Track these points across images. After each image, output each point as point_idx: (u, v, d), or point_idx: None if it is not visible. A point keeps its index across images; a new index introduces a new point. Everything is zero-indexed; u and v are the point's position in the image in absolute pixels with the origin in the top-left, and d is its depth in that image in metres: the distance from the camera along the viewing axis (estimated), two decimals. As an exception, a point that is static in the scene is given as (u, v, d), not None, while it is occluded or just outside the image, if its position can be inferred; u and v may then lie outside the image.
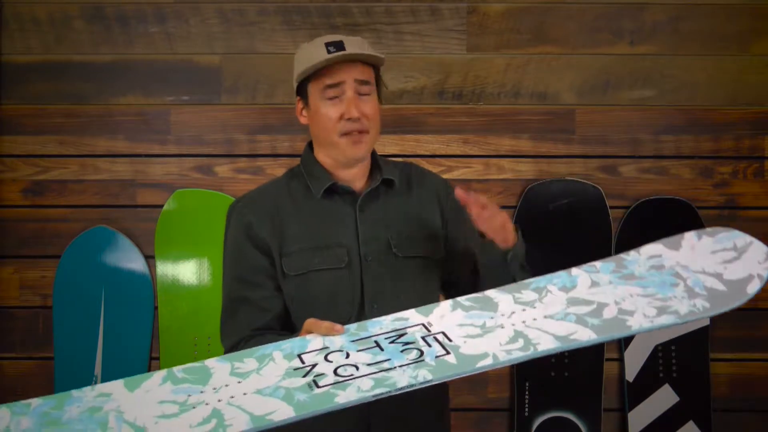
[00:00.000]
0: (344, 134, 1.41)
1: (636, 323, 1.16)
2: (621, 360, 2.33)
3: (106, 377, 2.28)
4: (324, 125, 1.43)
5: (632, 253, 1.35)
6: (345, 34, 1.48)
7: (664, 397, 2.30)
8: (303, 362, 1.14)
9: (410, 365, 1.10)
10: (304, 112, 1.48)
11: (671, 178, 2.37)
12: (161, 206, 2.33)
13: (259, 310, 1.43)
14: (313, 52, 1.42)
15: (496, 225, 1.38)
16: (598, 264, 1.33)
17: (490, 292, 1.27)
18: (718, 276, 1.25)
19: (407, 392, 1.09)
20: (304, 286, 1.42)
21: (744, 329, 2.35)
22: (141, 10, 2.35)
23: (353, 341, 1.18)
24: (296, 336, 1.26)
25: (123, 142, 2.36)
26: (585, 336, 1.14)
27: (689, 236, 1.33)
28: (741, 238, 1.29)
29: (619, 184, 2.37)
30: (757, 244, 1.27)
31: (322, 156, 1.48)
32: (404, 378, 1.07)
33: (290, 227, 1.45)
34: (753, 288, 1.22)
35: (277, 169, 2.35)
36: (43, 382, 2.33)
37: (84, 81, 2.35)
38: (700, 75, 2.37)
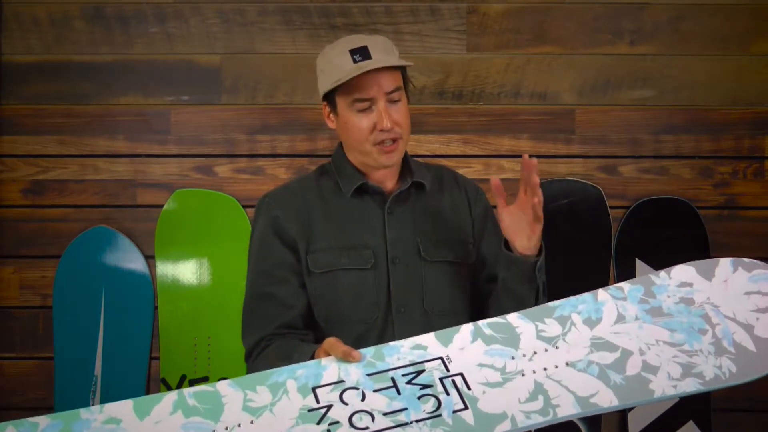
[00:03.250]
0: (377, 144, 1.39)
1: (659, 388, 1.11)
2: (621, 360, 2.33)
3: (106, 377, 2.28)
4: (356, 136, 1.40)
5: (662, 274, 1.27)
6: (367, 33, 1.46)
7: (664, 397, 2.30)
8: (318, 401, 1.09)
9: (427, 420, 1.05)
10: (332, 117, 1.45)
11: (671, 178, 2.37)
12: (161, 206, 2.33)
13: (283, 307, 1.42)
14: (338, 62, 1.38)
15: (522, 221, 1.35)
16: (626, 288, 1.26)
17: (513, 319, 1.22)
18: (749, 329, 1.18)
19: None
20: (330, 284, 1.41)
21: (744, 329, 2.35)
22: (141, 10, 2.35)
23: (369, 375, 1.13)
24: (315, 347, 1.24)
25: (123, 142, 2.36)
26: (606, 401, 1.09)
27: (724, 265, 1.27)
28: None
29: (619, 184, 2.37)
30: None
31: (352, 157, 1.47)
32: None
33: (318, 224, 1.44)
34: None
35: (277, 169, 2.35)
36: (43, 382, 2.33)
37: (84, 81, 2.35)
38: (700, 75, 2.37)
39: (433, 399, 1.09)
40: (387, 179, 1.47)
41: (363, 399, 1.09)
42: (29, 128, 2.35)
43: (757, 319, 1.19)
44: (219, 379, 2.39)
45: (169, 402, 1.08)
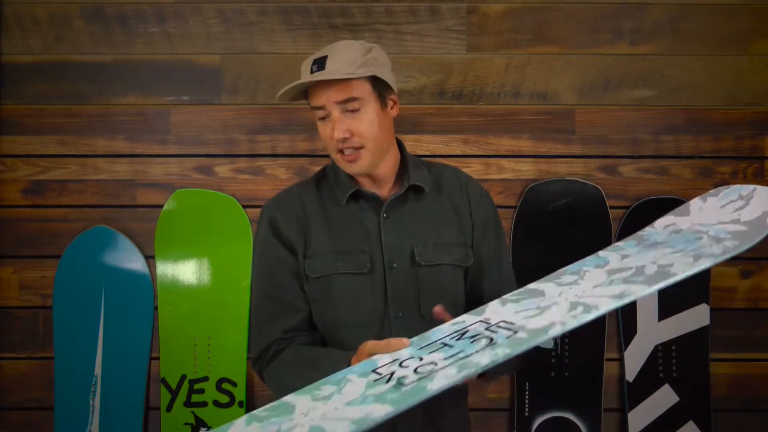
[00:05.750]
0: (338, 152, 1.40)
1: (679, 271, 1.16)
2: (621, 360, 2.33)
3: (106, 377, 2.28)
4: (324, 142, 1.43)
5: (647, 228, 1.35)
6: (348, 36, 1.46)
7: (664, 397, 2.30)
8: (380, 374, 1.11)
9: (485, 349, 1.09)
10: None
11: (671, 178, 2.37)
12: (161, 206, 2.33)
13: (291, 310, 1.42)
14: (303, 71, 1.41)
15: None
16: (621, 243, 1.33)
17: (532, 285, 1.27)
18: (735, 221, 1.26)
19: (433, 396, 1.09)
20: (326, 289, 1.42)
21: (744, 329, 2.35)
22: (141, 10, 2.35)
23: (421, 348, 1.15)
24: (350, 355, 1.24)
25: (123, 142, 2.36)
26: (638, 292, 1.14)
27: (695, 201, 1.35)
28: (744, 189, 1.31)
29: (619, 184, 2.37)
30: (761, 189, 1.29)
31: None
32: (485, 357, 1.06)
33: (315, 229, 1.44)
34: None
35: (277, 169, 2.35)
36: (43, 382, 2.33)
37: (84, 81, 2.36)
38: (700, 75, 2.37)
39: (484, 339, 1.13)
40: (382, 184, 1.47)
41: (421, 360, 1.12)
42: (29, 128, 2.35)
43: (739, 214, 1.28)
44: (219, 380, 2.41)
45: (241, 422, 1.08)
